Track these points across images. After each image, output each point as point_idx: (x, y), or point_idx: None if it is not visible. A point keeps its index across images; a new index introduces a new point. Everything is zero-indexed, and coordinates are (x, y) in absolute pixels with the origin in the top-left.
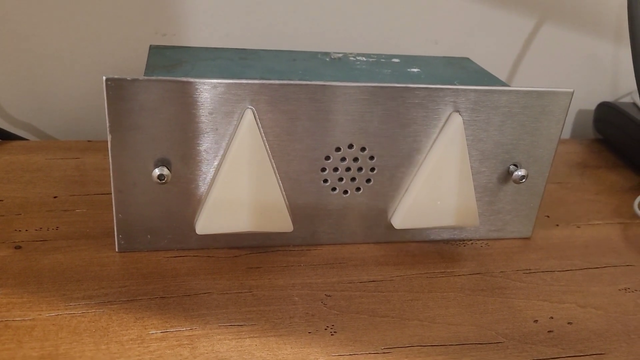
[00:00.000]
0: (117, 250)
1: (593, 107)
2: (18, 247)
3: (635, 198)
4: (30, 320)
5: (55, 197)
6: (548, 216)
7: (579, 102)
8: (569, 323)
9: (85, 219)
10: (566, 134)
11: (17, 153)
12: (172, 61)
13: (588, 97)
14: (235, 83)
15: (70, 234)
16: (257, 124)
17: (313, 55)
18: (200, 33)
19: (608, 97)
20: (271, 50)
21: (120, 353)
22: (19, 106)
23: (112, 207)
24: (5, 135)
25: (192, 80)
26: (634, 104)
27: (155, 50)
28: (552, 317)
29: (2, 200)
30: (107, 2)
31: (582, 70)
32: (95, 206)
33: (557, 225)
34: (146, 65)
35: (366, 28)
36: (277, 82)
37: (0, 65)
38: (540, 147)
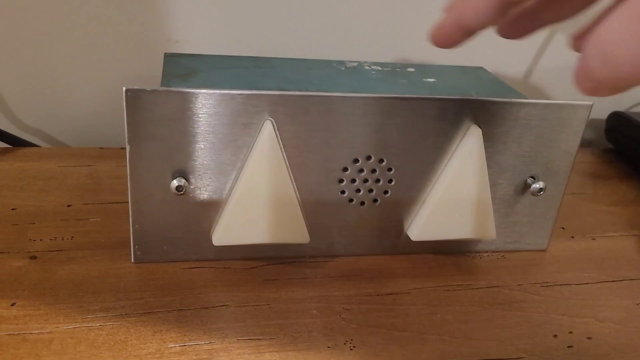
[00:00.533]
0: (132, 261)
1: (604, 116)
2: (33, 257)
3: None
4: (48, 333)
5: (69, 206)
6: (563, 228)
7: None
8: (588, 338)
9: (100, 229)
10: None
11: (29, 160)
12: (187, 70)
13: (599, 106)
14: (255, 94)
15: (86, 244)
16: (277, 135)
17: (327, 64)
18: (213, 39)
19: (619, 107)
20: (285, 58)
21: None
22: (30, 112)
23: (129, 218)
24: (17, 141)
25: (211, 91)
26: None
27: (170, 58)
28: (571, 332)
29: (15, 209)
30: (120, 8)
31: None
32: (109, 215)
33: (573, 237)
34: (162, 74)
35: (378, 36)
36: (296, 93)
37: (13, 70)
38: (558, 159)
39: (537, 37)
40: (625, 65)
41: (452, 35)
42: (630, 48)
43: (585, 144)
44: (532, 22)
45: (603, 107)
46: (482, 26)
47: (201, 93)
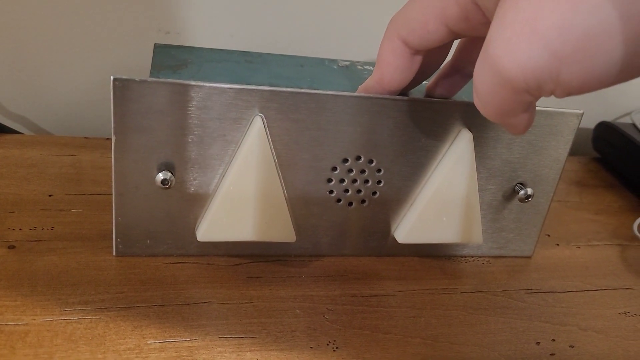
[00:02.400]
0: (114, 254)
1: (592, 125)
2: (12, 247)
3: (634, 219)
4: (24, 325)
5: (50, 196)
6: (549, 235)
7: None
8: (570, 346)
9: (82, 220)
10: None
11: (11, 147)
12: (177, 61)
13: (587, 115)
14: (245, 89)
15: (66, 235)
16: (266, 132)
17: (320, 61)
18: (205, 33)
19: (607, 117)
20: (277, 54)
21: None
22: (14, 99)
23: (112, 210)
24: None
25: (201, 84)
26: (633, 125)
27: (160, 49)
28: (554, 340)
29: None
30: None
31: None
32: (91, 206)
33: (558, 244)
34: (152, 64)
35: (372, 36)
36: (288, 90)
37: None
38: (547, 166)
39: None
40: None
41: None
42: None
43: (572, 152)
44: (461, 78)
45: (591, 116)
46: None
47: (191, 85)
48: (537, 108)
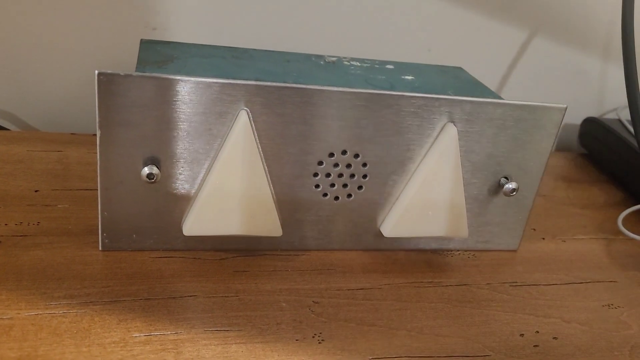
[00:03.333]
0: (100, 248)
1: (578, 121)
2: None
3: (619, 214)
4: (8, 319)
5: (36, 191)
6: (534, 229)
7: (565, 116)
8: (554, 338)
9: (68, 215)
10: None
11: None
12: (163, 57)
13: (574, 111)
14: (231, 83)
15: (52, 230)
16: (252, 126)
17: (307, 57)
18: (192, 29)
19: (593, 113)
20: (264, 50)
21: (102, 356)
22: (0, 95)
23: (98, 205)
24: None
25: (186, 78)
26: (619, 120)
27: (146, 45)
28: (537, 332)
29: None
30: None
31: (570, 85)
32: (78, 202)
33: (543, 238)
34: (137, 60)
35: (360, 33)
36: (273, 84)
37: None
38: (531, 160)
39: (517, 40)
40: None
41: None
42: None
43: (559, 148)
44: None
45: (577, 113)
46: None
47: (176, 80)
48: (521, 102)
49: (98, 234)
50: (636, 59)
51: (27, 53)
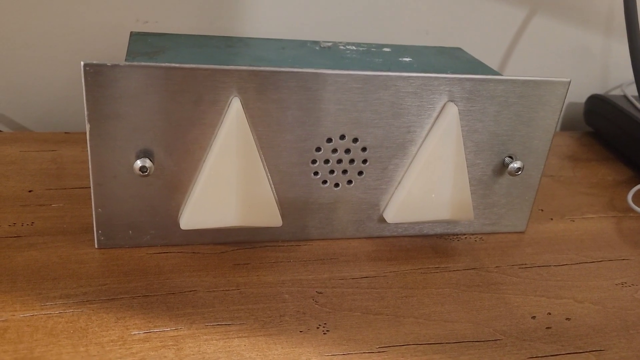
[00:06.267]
0: (96, 246)
1: (583, 99)
2: None
3: (628, 191)
4: (2, 321)
5: (30, 191)
6: (542, 210)
7: (569, 94)
8: (567, 319)
9: (62, 214)
10: None
11: None
12: (154, 48)
13: (578, 89)
14: (222, 69)
15: (46, 229)
16: (245, 113)
17: (302, 44)
18: (184, 21)
19: (598, 90)
20: (258, 38)
21: (100, 355)
22: None
23: (91, 201)
24: None
25: (175, 66)
26: (625, 97)
27: (137, 37)
28: (549, 313)
29: None
30: None
31: (573, 62)
32: (72, 201)
33: (551, 219)
34: (127, 51)
35: (356, 17)
36: (266, 69)
37: None
38: (536, 138)
39: (516, 19)
40: None
41: None
42: None
43: (564, 127)
44: None
45: (581, 90)
46: None
47: (164, 68)
48: (523, 78)
49: (93, 232)
50: None
51: (15, 52)
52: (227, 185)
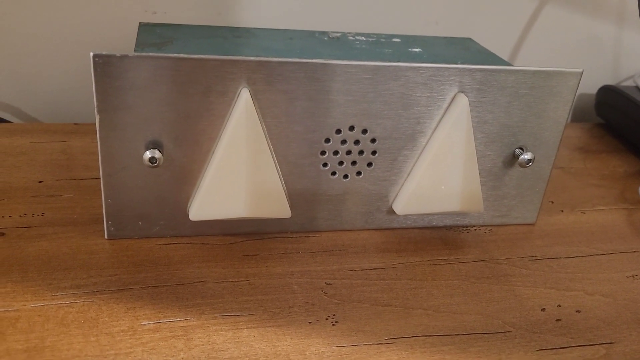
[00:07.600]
0: (106, 237)
1: (594, 90)
2: (1, 234)
3: (639, 183)
4: (14, 311)
5: (40, 182)
6: (552, 202)
7: (580, 85)
8: (577, 311)
9: (72, 205)
10: None
11: (0, 136)
12: (162, 39)
13: (589, 80)
14: (231, 60)
15: (57, 220)
16: (254, 104)
17: (310, 34)
18: (192, 11)
19: (609, 81)
20: (266, 28)
21: (110, 345)
22: (0, 87)
23: (101, 192)
24: None
25: (184, 56)
26: (637, 87)
27: (145, 28)
28: (559, 305)
29: None
30: None
31: (584, 53)
32: (82, 191)
33: (562, 211)
34: (136, 42)
35: (365, 7)
36: (275, 59)
37: None
38: (547, 129)
39: (526, 9)
40: None
41: None
42: None
43: (575, 119)
44: None
45: (593, 81)
46: None
47: (173, 59)
48: (534, 68)
49: (103, 223)
50: None
51: (25, 44)
52: (236, 177)
